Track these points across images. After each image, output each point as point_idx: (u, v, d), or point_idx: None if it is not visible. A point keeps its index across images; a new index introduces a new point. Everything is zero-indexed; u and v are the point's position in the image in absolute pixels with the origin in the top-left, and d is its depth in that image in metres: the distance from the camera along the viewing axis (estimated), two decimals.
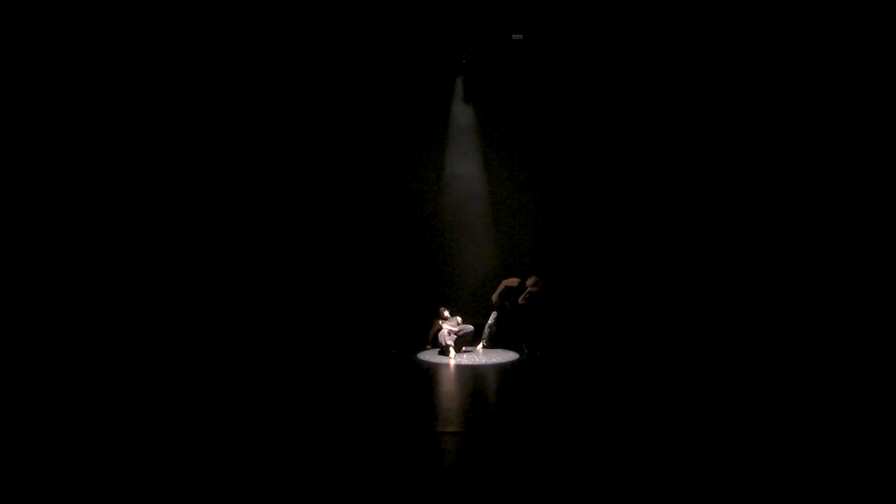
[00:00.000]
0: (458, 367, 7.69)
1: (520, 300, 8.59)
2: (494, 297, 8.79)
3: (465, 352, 8.59)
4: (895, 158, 8.11)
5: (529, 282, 8.70)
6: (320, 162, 10.48)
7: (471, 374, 7.31)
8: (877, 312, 7.74)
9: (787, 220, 9.11)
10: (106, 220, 8.68)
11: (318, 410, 5.61)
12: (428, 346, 8.82)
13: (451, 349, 8.40)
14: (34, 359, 7.00)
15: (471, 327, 8.64)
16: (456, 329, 8.57)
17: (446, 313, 8.84)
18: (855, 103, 8.42)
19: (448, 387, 6.78)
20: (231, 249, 9.88)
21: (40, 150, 7.92)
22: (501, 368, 7.61)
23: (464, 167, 10.57)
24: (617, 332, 9.61)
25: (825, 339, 7.90)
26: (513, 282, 8.79)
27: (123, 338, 8.17)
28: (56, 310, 7.72)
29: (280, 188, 10.33)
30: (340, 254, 10.55)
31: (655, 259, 10.09)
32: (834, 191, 8.72)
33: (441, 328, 8.64)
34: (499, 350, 8.55)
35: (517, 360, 8.06)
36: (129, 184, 8.98)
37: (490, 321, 8.78)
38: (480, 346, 8.70)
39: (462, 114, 10.48)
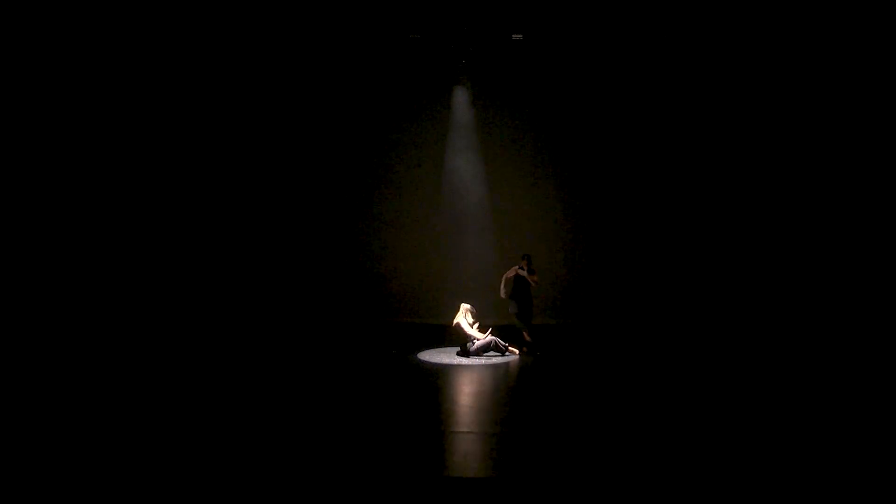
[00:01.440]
0: (459, 367, 7.60)
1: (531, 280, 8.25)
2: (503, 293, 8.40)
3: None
4: (894, 159, 8.16)
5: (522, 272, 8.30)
6: (320, 160, 10.52)
7: (471, 374, 7.28)
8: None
9: (783, 215, 9.15)
10: (102, 219, 8.66)
11: (320, 412, 5.58)
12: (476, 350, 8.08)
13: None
14: (29, 358, 6.98)
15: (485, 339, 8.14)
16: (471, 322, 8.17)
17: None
18: (855, 104, 8.46)
19: (451, 387, 6.75)
20: (230, 249, 9.86)
21: (22, 151, 7.92)
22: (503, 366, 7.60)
23: (463, 162, 10.61)
24: (616, 328, 9.63)
25: (822, 332, 7.93)
26: (511, 272, 8.37)
27: (125, 339, 8.14)
28: (36, 310, 7.71)
29: (280, 185, 10.36)
30: (339, 252, 10.57)
31: (653, 253, 10.12)
32: (830, 191, 8.75)
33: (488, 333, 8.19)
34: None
35: (517, 360, 8.03)
36: (130, 183, 8.96)
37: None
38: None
39: (462, 111, 10.53)
